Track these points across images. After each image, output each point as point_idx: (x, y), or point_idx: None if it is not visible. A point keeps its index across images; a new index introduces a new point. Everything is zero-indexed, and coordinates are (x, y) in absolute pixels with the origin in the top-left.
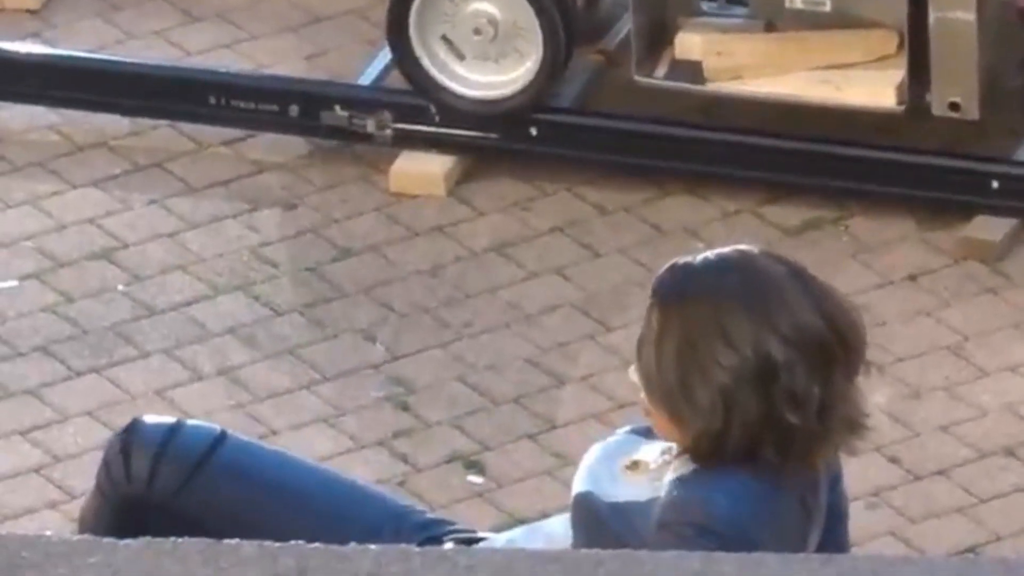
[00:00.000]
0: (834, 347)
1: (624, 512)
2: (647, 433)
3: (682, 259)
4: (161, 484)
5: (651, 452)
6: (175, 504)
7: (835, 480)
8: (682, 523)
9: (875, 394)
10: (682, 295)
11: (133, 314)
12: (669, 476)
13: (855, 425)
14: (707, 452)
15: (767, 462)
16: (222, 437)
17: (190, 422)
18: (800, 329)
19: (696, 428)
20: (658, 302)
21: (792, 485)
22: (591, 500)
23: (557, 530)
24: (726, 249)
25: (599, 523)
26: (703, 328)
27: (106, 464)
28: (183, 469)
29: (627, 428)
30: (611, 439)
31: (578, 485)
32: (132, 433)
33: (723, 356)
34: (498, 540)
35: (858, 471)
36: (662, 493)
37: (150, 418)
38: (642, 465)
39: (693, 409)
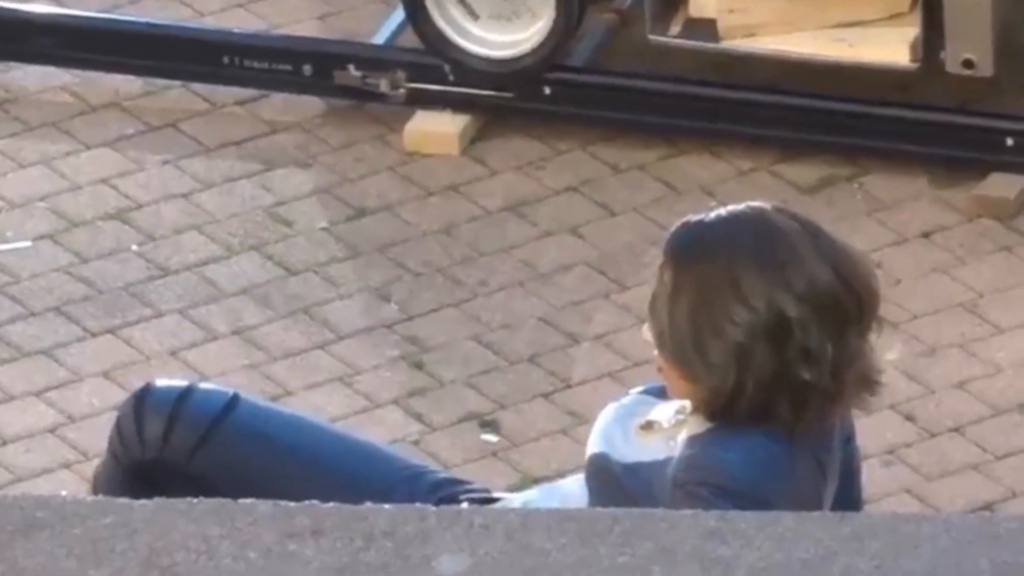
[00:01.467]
0: (848, 305)
1: (639, 472)
2: (660, 393)
3: (695, 216)
4: (174, 447)
5: (665, 412)
6: (188, 467)
7: (848, 437)
8: (697, 483)
9: (890, 351)
10: (695, 252)
11: (147, 274)
12: (683, 435)
13: (869, 383)
14: (721, 409)
15: (781, 420)
16: (235, 400)
17: (202, 385)
18: (814, 286)
19: (709, 385)
20: (671, 259)
21: (807, 444)
22: (606, 461)
23: (573, 490)
24: (739, 206)
25: (614, 484)
26: (716, 285)
27: (119, 428)
28: (196, 432)
29: (640, 388)
30: (624, 399)
31: (592, 446)
32: (145, 397)
33: (737, 313)
34: (514, 501)
35: (873, 429)
36: (676, 452)
37: (162, 381)
38: (656, 425)
39: (706, 366)
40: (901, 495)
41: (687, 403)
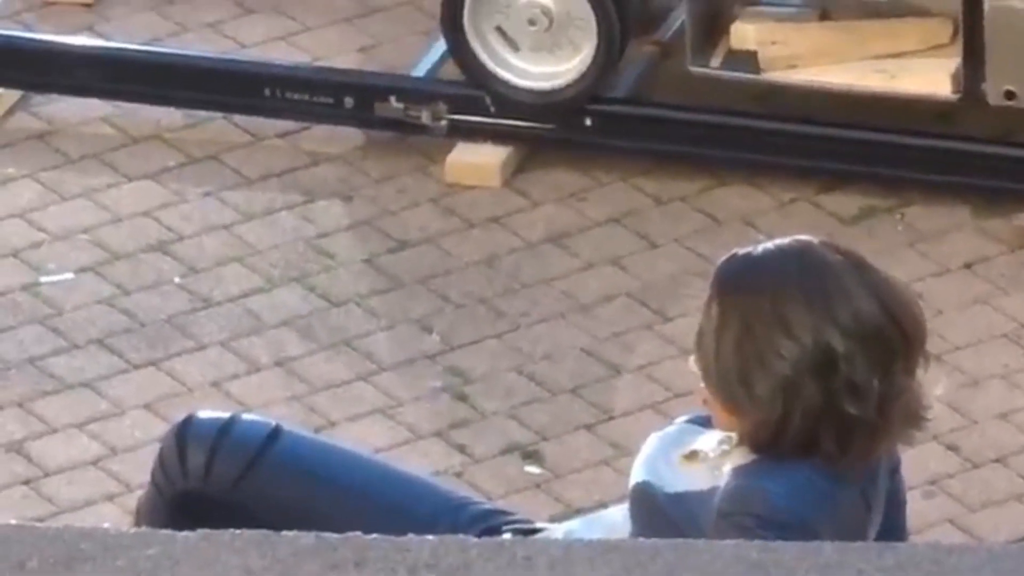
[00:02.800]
0: (894, 338)
1: (683, 502)
2: (705, 423)
3: (742, 249)
4: (217, 479)
5: (709, 442)
6: (231, 498)
7: (894, 469)
8: (742, 513)
9: (937, 387)
10: (742, 285)
11: (189, 306)
12: (728, 466)
13: (915, 418)
14: (766, 442)
15: (827, 454)
16: (277, 431)
17: (245, 416)
18: (860, 320)
19: (755, 418)
20: (718, 292)
21: (852, 477)
22: (650, 490)
23: (616, 520)
24: (785, 240)
25: (658, 513)
26: (763, 318)
27: (161, 459)
28: (239, 464)
29: (684, 418)
30: (668, 429)
31: (636, 475)
32: (187, 428)
33: (783, 346)
34: (556, 531)
35: (916, 459)
36: (721, 483)
37: (204, 413)
38: (700, 455)
39: (752, 399)
40: (944, 526)
41: (732, 434)
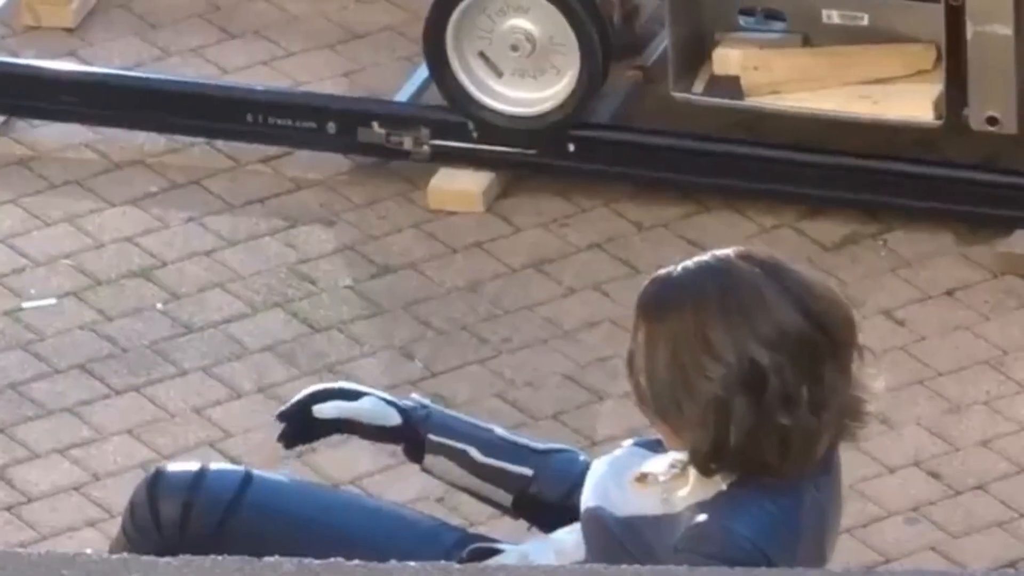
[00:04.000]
0: (820, 343)
1: (634, 526)
2: (652, 446)
3: (663, 271)
4: (194, 531)
5: (659, 464)
6: (208, 550)
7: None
8: (708, 555)
9: (877, 381)
10: (664, 309)
11: (171, 332)
12: (683, 495)
13: (852, 412)
14: (707, 461)
15: (769, 465)
16: (248, 478)
17: (213, 466)
18: (783, 331)
19: (692, 439)
20: (642, 317)
21: (805, 480)
22: (601, 515)
23: (568, 542)
24: (704, 256)
25: (610, 537)
26: (687, 340)
27: (133, 515)
28: (214, 515)
29: (632, 441)
30: (617, 452)
31: (587, 500)
32: (157, 484)
33: (709, 368)
34: (511, 554)
35: (898, 486)
36: (675, 510)
37: (173, 466)
38: (651, 477)
39: (686, 421)
40: (926, 552)
41: (682, 456)
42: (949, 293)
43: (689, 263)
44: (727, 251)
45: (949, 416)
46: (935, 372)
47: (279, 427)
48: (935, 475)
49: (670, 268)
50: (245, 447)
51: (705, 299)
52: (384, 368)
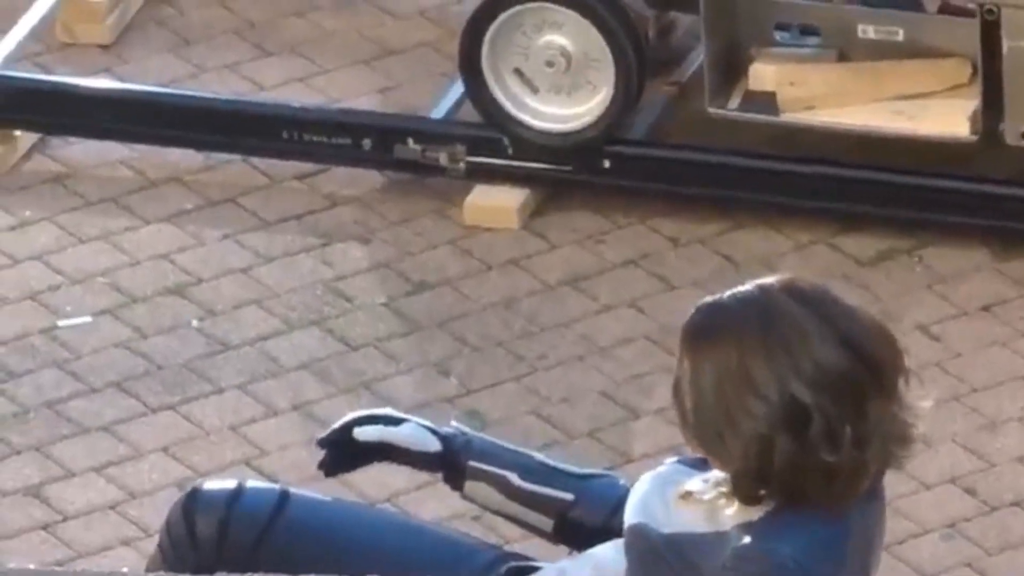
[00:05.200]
0: (863, 378)
1: (679, 543)
2: (697, 464)
3: (708, 300)
4: (230, 550)
5: (703, 482)
6: (247, 568)
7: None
8: (749, 574)
9: (925, 399)
10: (706, 339)
11: (207, 349)
12: (730, 513)
13: (900, 440)
14: (750, 491)
15: (814, 499)
16: (285, 496)
17: (250, 484)
18: (824, 368)
19: (734, 470)
20: (685, 345)
21: (853, 514)
22: (645, 531)
23: (606, 559)
24: (748, 287)
25: (653, 554)
26: (730, 375)
27: (169, 533)
28: (250, 533)
29: (676, 459)
30: (661, 469)
31: (631, 516)
32: (194, 502)
33: (752, 404)
34: (549, 571)
35: (934, 503)
36: (722, 528)
37: (210, 484)
38: (695, 495)
39: (728, 454)
40: (962, 569)
41: (725, 475)
42: (985, 309)
43: (733, 293)
44: (772, 281)
45: (985, 432)
46: (971, 388)
47: (316, 445)
48: (971, 492)
49: (715, 297)
50: (281, 465)
51: (748, 333)
52: (420, 385)
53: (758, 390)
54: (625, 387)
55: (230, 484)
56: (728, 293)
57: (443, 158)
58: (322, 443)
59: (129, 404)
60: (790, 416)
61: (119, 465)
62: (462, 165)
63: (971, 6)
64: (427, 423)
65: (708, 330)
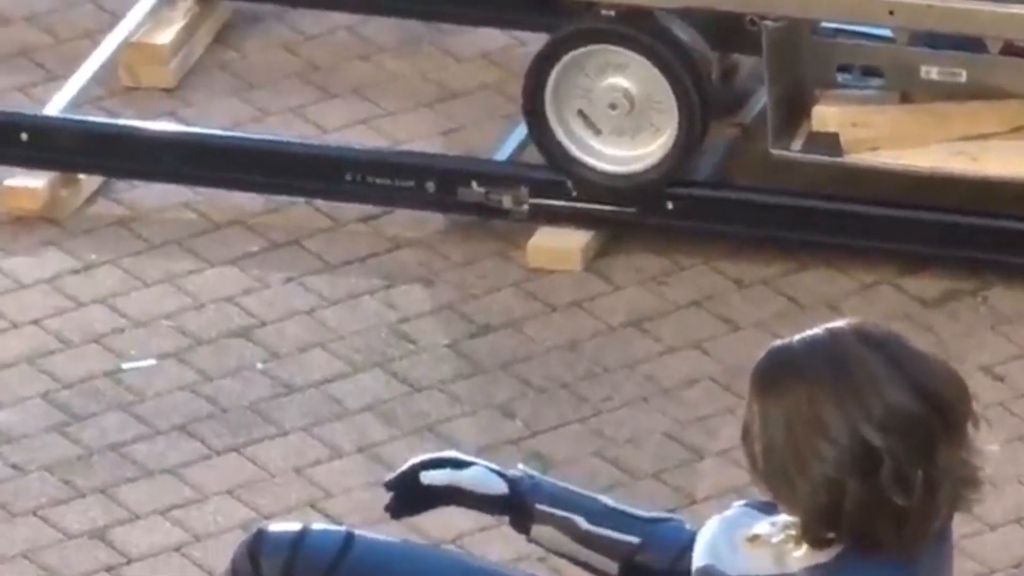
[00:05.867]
0: (934, 424)
1: None
2: (764, 507)
3: (777, 343)
4: None
5: (770, 526)
6: None
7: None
8: None
9: (992, 442)
10: (776, 384)
11: (271, 392)
12: (798, 556)
13: (968, 483)
14: (819, 535)
15: (884, 543)
16: (350, 539)
17: (315, 527)
18: (895, 413)
19: (805, 514)
20: (755, 390)
21: (922, 558)
22: (713, 573)
23: None
24: (818, 331)
25: None
26: (800, 419)
27: (234, 573)
28: (316, 575)
29: (743, 502)
30: (728, 512)
31: (699, 559)
32: (259, 544)
33: (822, 448)
34: None
35: (999, 543)
36: (790, 571)
37: (275, 526)
38: (763, 538)
39: (798, 497)
40: None
41: (795, 519)
42: None
43: (803, 338)
44: (841, 325)
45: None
46: None
47: (380, 486)
48: None
49: (784, 341)
50: (346, 507)
51: (818, 377)
52: (484, 427)
53: (828, 434)
54: (689, 428)
55: (295, 526)
56: (797, 337)
57: (506, 200)
58: (389, 486)
59: (193, 447)
60: (860, 460)
61: (184, 508)
62: (525, 207)
63: None
64: (494, 466)
65: (778, 374)
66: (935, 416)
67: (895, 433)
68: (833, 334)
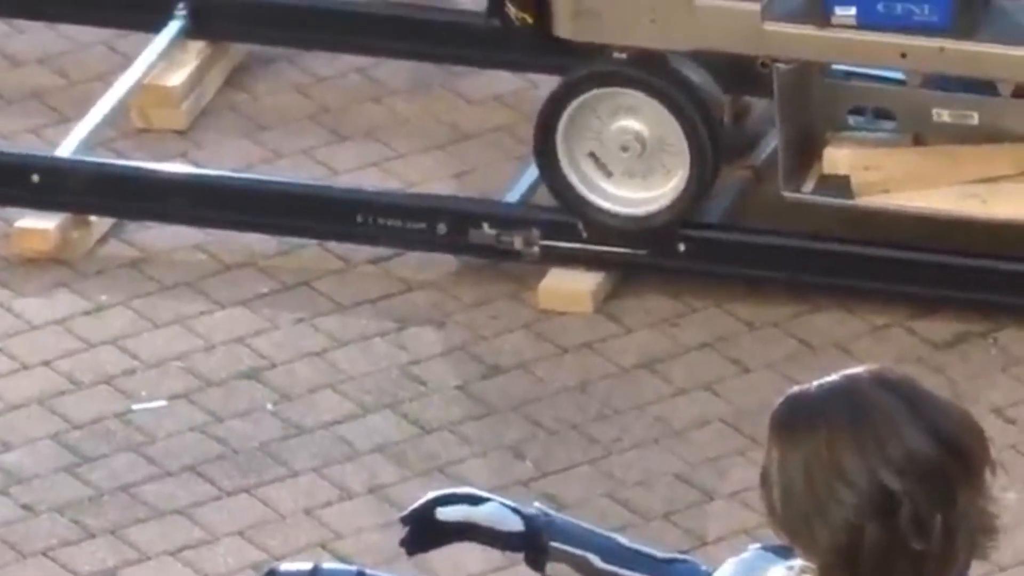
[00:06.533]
0: (954, 471)
1: None
2: (780, 551)
3: (796, 389)
4: None
5: (787, 570)
6: None
7: None
8: None
9: (1010, 491)
10: (796, 430)
11: (282, 433)
12: None
13: (986, 531)
14: None
15: None
16: None
17: (326, 566)
18: (915, 459)
19: (822, 559)
20: (774, 435)
21: None
22: None
23: None
24: (836, 378)
25: None
26: (819, 465)
27: None
28: None
29: (759, 545)
30: (744, 555)
31: None
32: None
33: (841, 493)
34: None
35: None
36: None
37: (286, 567)
38: None
39: (816, 542)
40: None
41: (811, 563)
42: None
43: (821, 384)
44: (860, 372)
45: None
46: None
47: (391, 527)
48: None
49: (803, 388)
50: (356, 548)
51: (837, 423)
52: (494, 469)
53: (847, 477)
54: (700, 470)
55: (306, 566)
56: (815, 383)
57: (518, 242)
58: (405, 521)
59: (204, 488)
60: (879, 504)
61: (194, 549)
62: (537, 249)
63: None
64: (509, 502)
65: (797, 420)
66: (954, 461)
67: (914, 477)
68: (851, 380)
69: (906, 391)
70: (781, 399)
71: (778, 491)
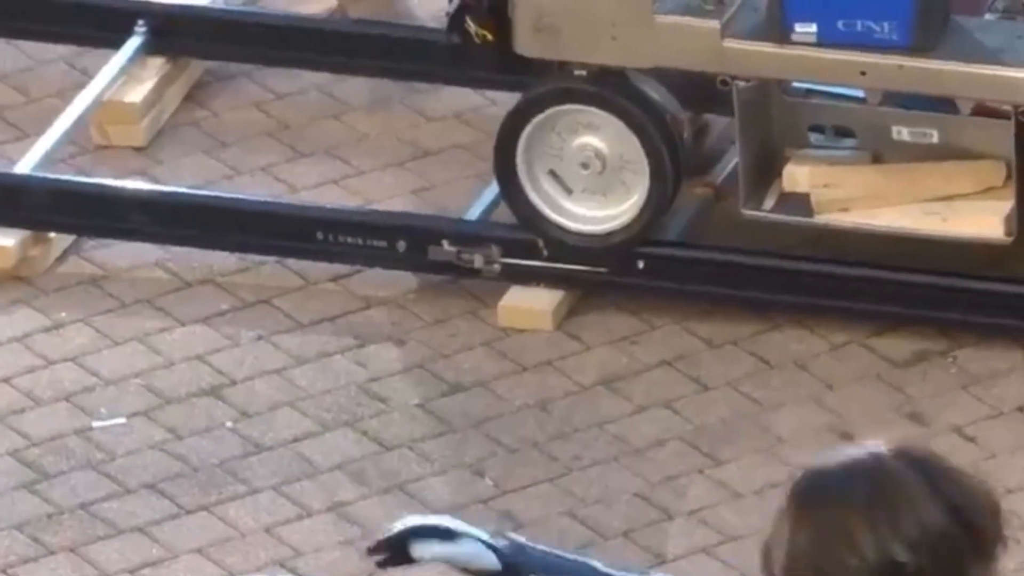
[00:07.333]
0: (965, 544)
1: None
2: None
3: (816, 463)
4: None
5: None
6: None
7: None
8: None
9: (1011, 561)
10: (813, 504)
11: (242, 451)
12: None
13: None
14: None
15: None
16: None
17: None
18: (927, 531)
19: None
20: (792, 506)
21: None
22: None
23: None
24: (858, 452)
25: None
26: (830, 534)
27: None
28: None
29: None
30: None
31: None
32: None
33: (849, 561)
34: None
35: None
36: None
37: None
38: None
39: None
40: None
41: None
42: (1020, 409)
43: (842, 459)
44: (882, 447)
45: (1022, 534)
46: (1006, 489)
47: (350, 545)
48: None
49: (823, 464)
50: (316, 566)
51: (855, 500)
52: (454, 487)
53: (857, 549)
54: (659, 488)
55: None
56: (836, 459)
57: (478, 260)
58: (374, 551)
59: (163, 505)
60: (886, 574)
61: (154, 566)
62: (497, 267)
63: (1006, 108)
64: (483, 535)
65: (814, 498)
66: (967, 536)
67: (925, 551)
68: (873, 455)
69: (927, 467)
70: (801, 473)
71: (782, 558)
